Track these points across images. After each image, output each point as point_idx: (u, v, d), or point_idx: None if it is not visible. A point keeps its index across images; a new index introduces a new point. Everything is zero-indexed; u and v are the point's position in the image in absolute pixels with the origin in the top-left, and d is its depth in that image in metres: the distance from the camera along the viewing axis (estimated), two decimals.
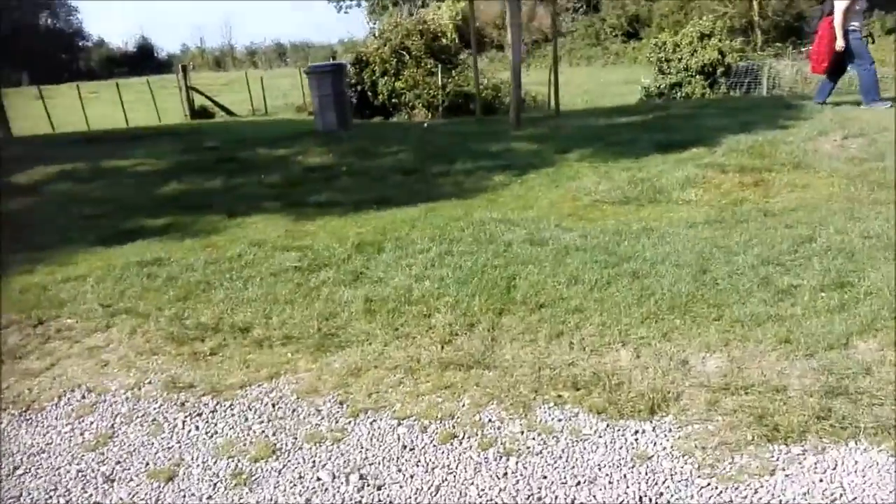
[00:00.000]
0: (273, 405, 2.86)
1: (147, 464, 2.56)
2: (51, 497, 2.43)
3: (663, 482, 2.27)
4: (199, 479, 2.45)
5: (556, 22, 10.94)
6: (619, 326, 3.15)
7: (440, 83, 18.22)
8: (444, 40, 19.65)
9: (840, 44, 7.63)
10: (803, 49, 14.59)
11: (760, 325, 3.06)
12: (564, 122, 9.04)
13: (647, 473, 2.32)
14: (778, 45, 31.41)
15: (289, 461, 2.52)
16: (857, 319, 3.03)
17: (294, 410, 2.81)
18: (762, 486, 2.22)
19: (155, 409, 2.90)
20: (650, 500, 2.21)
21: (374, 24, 40.31)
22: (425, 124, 9.51)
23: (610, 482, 2.29)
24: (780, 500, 2.17)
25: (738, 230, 4.28)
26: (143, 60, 38.36)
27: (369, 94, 18.63)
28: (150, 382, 3.08)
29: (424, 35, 18.97)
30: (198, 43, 40.24)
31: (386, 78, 18.54)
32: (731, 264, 3.72)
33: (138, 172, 7.28)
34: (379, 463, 2.46)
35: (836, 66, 7.82)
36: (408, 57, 18.65)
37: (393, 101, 18.67)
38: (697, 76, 16.48)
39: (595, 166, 6.27)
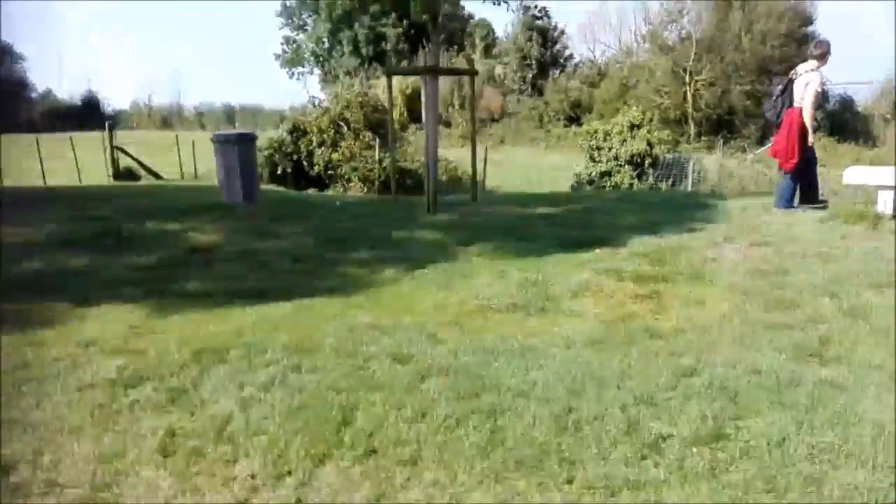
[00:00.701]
0: None
1: None
2: None
3: None
4: None
5: (473, 106, 10.80)
6: (453, 488, 2.60)
7: (377, 157, 17.91)
8: (383, 114, 19.40)
9: (812, 138, 7.49)
10: (756, 154, 14.72)
11: (614, 495, 2.55)
12: (481, 210, 8.67)
13: None
14: (710, 137, 32.47)
15: None
16: (725, 492, 2.56)
17: None
18: None
19: None
20: None
21: (324, 92, 40.53)
22: (337, 202, 9.04)
23: None
24: None
25: (620, 355, 3.83)
26: (89, 115, 37.35)
27: (305, 164, 18.21)
28: None
29: (364, 107, 18.76)
30: (146, 100, 39.60)
31: (323, 149, 18.19)
32: (602, 402, 3.24)
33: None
34: None
35: (806, 163, 7.55)
36: (346, 128, 18.37)
37: (329, 172, 18.27)
38: (626, 166, 16.58)
39: (494, 264, 5.83)
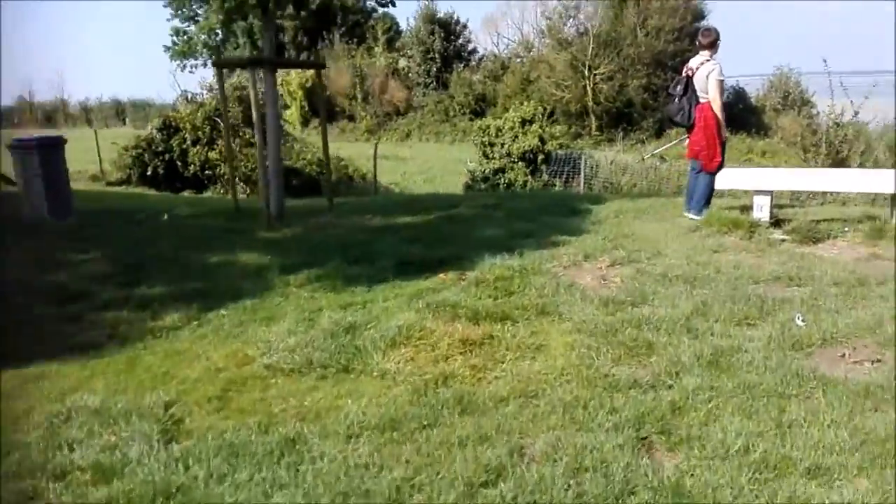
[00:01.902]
0: None
1: None
2: None
3: None
4: None
5: (324, 103, 9.47)
6: None
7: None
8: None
9: (726, 134, 6.69)
10: (651, 155, 14.08)
11: None
12: (334, 221, 7.51)
13: None
14: (611, 130, 32.46)
15: None
16: None
17: None
18: None
19: None
20: None
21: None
22: (165, 216, 7.69)
23: None
24: None
25: (410, 450, 2.80)
26: None
27: (179, 163, 16.53)
28: None
29: (245, 101, 17.18)
30: (26, 96, 36.12)
31: (198, 147, 16.54)
32: None
33: None
34: None
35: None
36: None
37: (207, 172, 16.66)
38: (519, 162, 15.77)
39: (312, 299, 4.72)
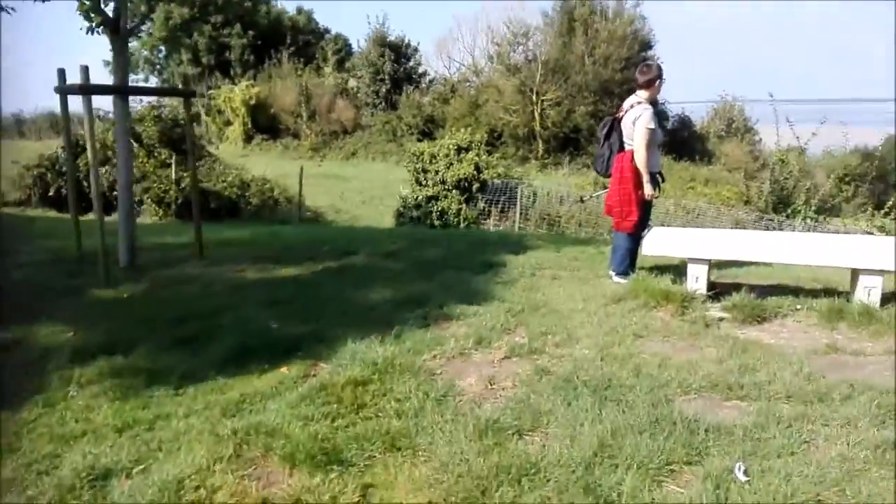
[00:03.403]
0: None
1: None
2: None
3: None
4: None
5: (192, 133, 7.89)
6: None
7: (174, 177, 14.85)
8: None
9: (650, 190, 5.44)
10: (591, 196, 12.92)
11: None
12: (195, 273, 6.08)
13: None
14: (558, 154, 31.73)
15: None
16: None
17: None
18: None
19: None
20: None
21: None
22: None
23: None
24: None
25: None
26: None
27: (85, 184, 14.79)
28: None
29: (161, 121, 15.60)
30: None
31: (107, 167, 14.87)
32: None
33: None
34: None
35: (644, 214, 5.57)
36: (138, 145, 15.14)
37: (114, 193, 14.94)
38: (454, 190, 14.54)
39: (87, 407, 3.33)
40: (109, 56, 6.12)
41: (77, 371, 3.72)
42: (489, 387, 3.58)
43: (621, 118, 5.55)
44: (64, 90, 5.79)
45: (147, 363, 3.84)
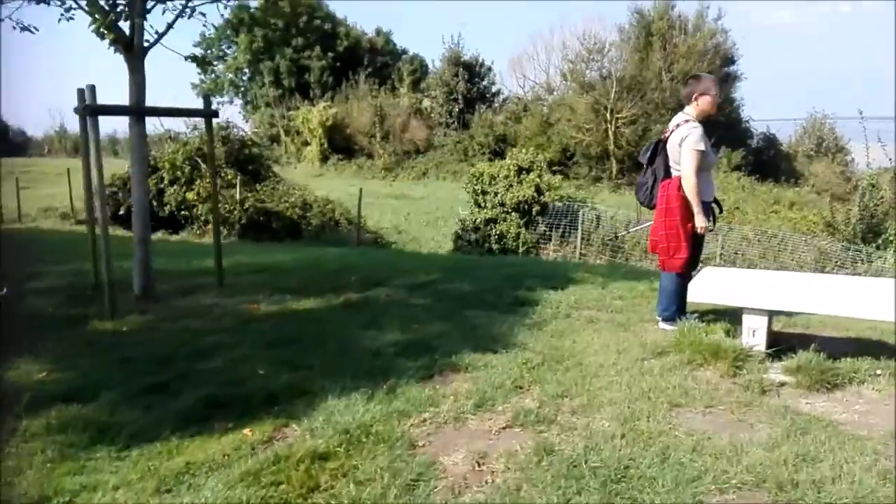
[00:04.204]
0: None
1: None
2: None
3: None
4: None
5: (212, 153, 7.33)
6: None
7: (238, 197, 14.89)
8: (252, 149, 16.40)
9: (702, 222, 4.64)
10: (629, 231, 11.94)
11: None
12: (207, 304, 5.68)
13: None
14: (633, 175, 30.45)
15: None
16: None
17: None
18: None
19: None
20: None
21: (247, 122, 37.22)
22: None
23: None
24: None
25: None
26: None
27: (154, 203, 15.06)
28: None
29: (229, 141, 15.73)
30: (57, 127, 35.58)
31: (176, 187, 15.10)
32: None
33: None
34: None
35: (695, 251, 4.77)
36: (205, 165, 15.30)
37: (183, 212, 15.18)
38: (513, 213, 13.87)
39: (7, 484, 2.90)
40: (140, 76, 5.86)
41: (25, 422, 3.32)
42: (476, 468, 2.92)
43: (667, 139, 4.78)
44: (84, 111, 5.56)
45: (103, 415, 3.41)
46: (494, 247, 13.96)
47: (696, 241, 4.72)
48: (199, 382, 3.85)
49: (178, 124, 17.08)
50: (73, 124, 38.75)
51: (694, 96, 4.75)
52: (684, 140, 4.60)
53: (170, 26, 5.67)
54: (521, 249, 13.76)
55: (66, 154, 33.34)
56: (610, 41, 30.76)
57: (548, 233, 14.08)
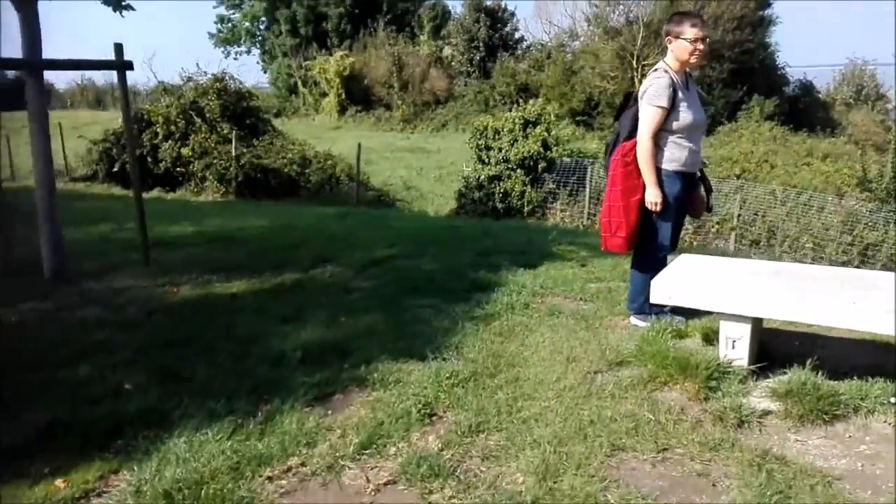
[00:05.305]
0: None
1: None
2: None
3: None
4: None
5: (127, 105, 6.17)
6: None
7: (234, 153, 14.14)
8: (250, 101, 15.52)
9: (654, 195, 3.76)
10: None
11: None
12: (118, 288, 4.95)
13: None
14: None
15: None
16: None
17: None
18: None
19: None
20: None
21: (265, 73, 36.17)
22: None
23: None
24: None
25: None
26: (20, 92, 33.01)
27: (149, 159, 14.42)
28: None
29: (224, 94, 14.89)
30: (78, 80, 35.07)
31: (170, 142, 14.39)
32: None
33: None
34: None
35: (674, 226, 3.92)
36: (200, 120, 14.54)
37: (179, 169, 14.50)
38: (518, 170, 12.85)
39: None
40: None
41: None
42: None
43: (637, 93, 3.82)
44: None
45: None
46: (499, 206, 13.02)
47: (663, 219, 3.79)
48: (50, 399, 3.13)
49: (171, 76, 16.24)
50: (99, 76, 38.20)
51: (667, 39, 3.75)
52: (644, 93, 3.65)
53: None
54: (526, 209, 12.80)
55: (87, 107, 32.95)
56: None
57: (555, 191, 13.06)
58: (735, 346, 3.08)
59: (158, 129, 14.23)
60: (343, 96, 31.51)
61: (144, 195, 13.66)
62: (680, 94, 3.70)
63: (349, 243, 6.45)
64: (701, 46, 3.72)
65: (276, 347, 3.71)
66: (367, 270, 5.35)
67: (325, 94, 32.08)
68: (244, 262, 5.64)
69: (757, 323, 3.06)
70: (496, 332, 3.90)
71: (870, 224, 10.22)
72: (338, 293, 4.72)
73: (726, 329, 3.09)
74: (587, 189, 12.50)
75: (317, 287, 4.89)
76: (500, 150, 13.07)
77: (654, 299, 3.22)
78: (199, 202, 13.02)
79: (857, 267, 9.96)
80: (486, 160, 13.31)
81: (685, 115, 3.71)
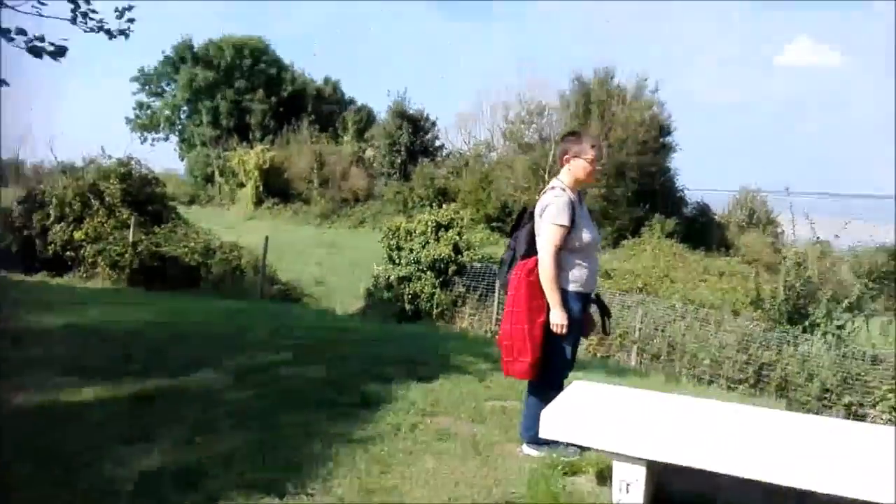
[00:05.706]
0: None
1: None
2: None
3: None
4: None
5: None
6: None
7: (131, 239, 13.27)
8: (156, 188, 14.84)
9: (560, 317, 3.45)
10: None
11: None
12: None
13: None
14: None
15: None
16: None
17: None
18: None
19: None
20: None
21: (182, 161, 35.44)
22: None
23: None
24: None
25: None
26: None
27: (37, 241, 13.34)
28: None
29: (127, 179, 14.17)
30: None
31: (62, 224, 13.40)
32: None
33: None
34: None
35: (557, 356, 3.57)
36: (98, 203, 13.69)
37: (69, 253, 13.44)
38: (428, 272, 12.69)
39: None
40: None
41: None
42: None
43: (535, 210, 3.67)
44: None
45: None
46: (408, 307, 12.69)
47: (566, 342, 3.55)
48: None
49: (74, 156, 15.46)
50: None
51: (565, 157, 3.67)
52: (544, 211, 3.51)
53: None
54: (435, 311, 12.53)
55: None
56: (549, 105, 30.61)
57: (465, 295, 12.91)
58: (629, 490, 2.77)
59: (52, 211, 13.26)
60: (261, 188, 31.10)
61: (28, 279, 12.57)
62: (577, 212, 3.58)
63: (233, 345, 5.87)
64: (598, 167, 3.66)
65: (106, 474, 3.09)
66: (246, 378, 4.79)
67: (242, 185, 31.57)
68: (107, 363, 4.96)
69: (653, 465, 2.77)
70: (375, 459, 3.44)
71: (764, 344, 10.51)
72: (203, 406, 4.14)
73: (620, 471, 2.78)
74: (496, 295, 12.42)
75: (181, 397, 4.28)
76: (411, 250, 12.91)
77: (543, 434, 2.89)
78: (85, 289, 11.99)
79: (752, 386, 10.13)
80: (397, 260, 13.09)
81: (585, 235, 3.57)
